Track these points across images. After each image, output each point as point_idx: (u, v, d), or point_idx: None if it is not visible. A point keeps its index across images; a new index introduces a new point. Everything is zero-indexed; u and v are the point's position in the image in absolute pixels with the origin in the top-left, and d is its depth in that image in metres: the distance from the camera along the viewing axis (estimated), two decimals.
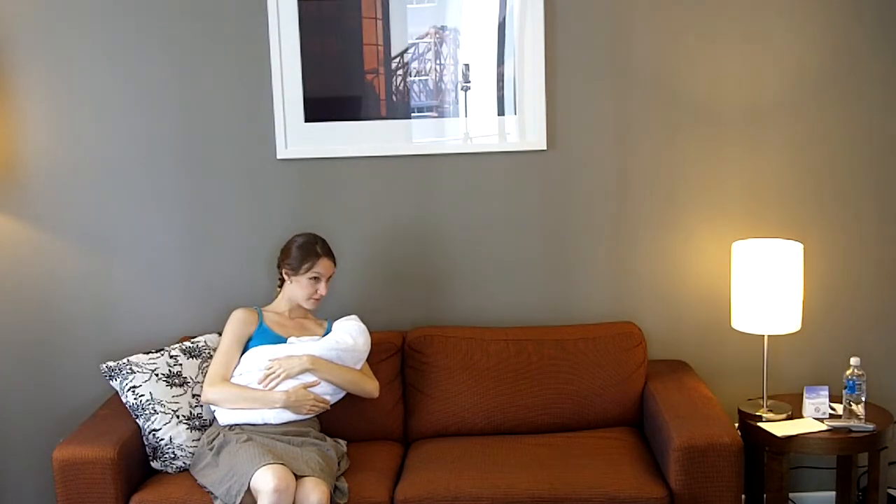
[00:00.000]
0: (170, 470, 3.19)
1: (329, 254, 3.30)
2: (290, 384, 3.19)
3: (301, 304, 3.31)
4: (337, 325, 3.35)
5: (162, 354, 3.32)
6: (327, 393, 3.25)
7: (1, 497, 3.73)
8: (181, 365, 3.30)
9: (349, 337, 3.28)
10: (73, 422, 3.46)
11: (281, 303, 3.37)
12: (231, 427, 3.17)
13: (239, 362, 3.25)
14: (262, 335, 3.28)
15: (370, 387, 3.32)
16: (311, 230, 3.37)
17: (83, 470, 3.01)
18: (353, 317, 3.37)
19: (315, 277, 3.27)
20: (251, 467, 2.90)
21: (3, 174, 3.57)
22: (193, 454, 3.18)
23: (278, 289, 3.40)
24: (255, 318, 3.31)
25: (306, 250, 3.27)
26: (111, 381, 3.26)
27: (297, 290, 3.30)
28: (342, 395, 3.30)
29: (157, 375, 3.25)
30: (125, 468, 3.06)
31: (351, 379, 3.28)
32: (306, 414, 3.20)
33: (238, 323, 3.29)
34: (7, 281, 3.65)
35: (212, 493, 3.00)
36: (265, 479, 2.85)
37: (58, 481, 3.03)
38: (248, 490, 2.88)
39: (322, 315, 3.43)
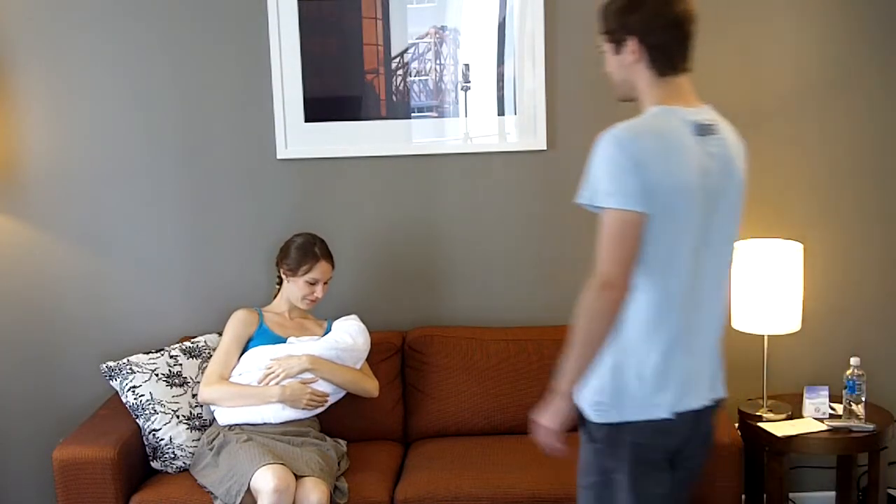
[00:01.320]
0: (170, 470, 3.19)
1: (327, 256, 3.30)
2: (288, 383, 3.18)
3: (296, 304, 3.32)
4: (336, 324, 3.35)
5: (162, 354, 3.32)
6: (327, 392, 3.25)
7: (1, 497, 3.73)
8: (181, 365, 3.30)
9: (348, 336, 3.28)
10: (73, 422, 3.46)
11: (280, 303, 3.38)
12: (231, 427, 3.17)
13: (239, 362, 3.25)
14: (262, 336, 3.28)
15: (370, 386, 3.32)
16: (311, 230, 3.37)
17: (83, 470, 3.01)
18: (353, 316, 3.37)
19: (312, 281, 3.27)
20: (251, 467, 2.90)
21: (3, 174, 3.57)
22: (193, 454, 3.18)
23: (277, 286, 3.41)
24: (256, 319, 3.32)
25: (304, 252, 3.27)
26: (111, 381, 3.26)
27: (293, 289, 3.30)
28: (342, 394, 3.30)
29: (157, 375, 3.25)
30: (125, 468, 3.06)
31: (351, 378, 3.28)
32: (304, 409, 3.19)
33: (238, 323, 3.29)
34: (7, 281, 3.64)
35: (212, 494, 3.00)
36: (265, 479, 2.85)
37: (58, 481, 3.03)
38: (248, 490, 2.89)
39: (321, 315, 3.43)
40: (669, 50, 2.14)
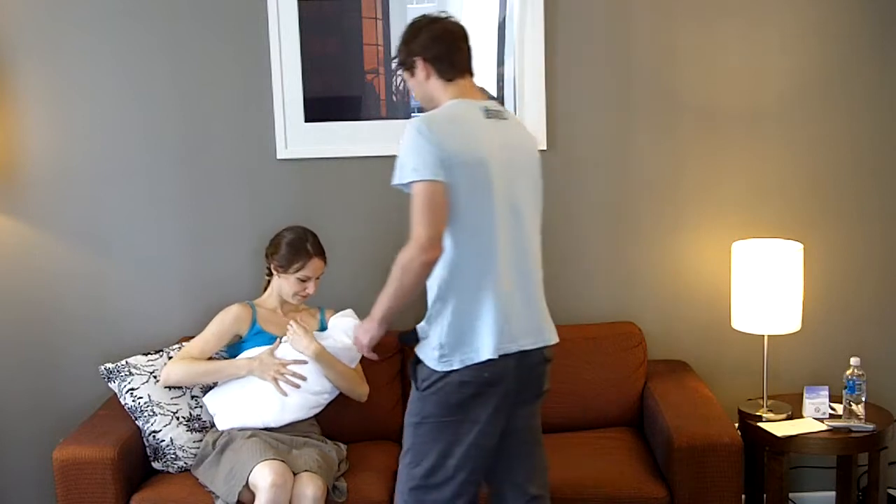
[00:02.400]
0: (171, 470, 3.19)
1: (319, 252, 3.28)
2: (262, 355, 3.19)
3: (287, 299, 3.30)
4: (332, 322, 3.33)
5: (161, 356, 3.32)
6: (325, 391, 3.24)
7: (1, 497, 3.73)
8: None
9: (345, 336, 3.26)
10: (73, 422, 3.46)
11: (271, 297, 3.35)
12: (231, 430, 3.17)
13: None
14: (256, 337, 3.26)
15: (361, 391, 3.30)
16: (311, 230, 3.35)
17: (83, 470, 3.01)
18: (349, 311, 3.34)
19: (304, 279, 3.26)
20: (251, 463, 2.91)
21: (3, 174, 3.57)
22: (196, 454, 3.17)
23: (266, 278, 3.39)
24: (249, 316, 3.29)
25: (296, 249, 3.24)
26: (110, 384, 3.26)
27: (284, 286, 3.28)
28: (336, 393, 3.28)
29: (155, 378, 3.24)
30: (125, 468, 3.06)
31: (348, 374, 3.26)
32: (271, 381, 3.14)
33: (230, 318, 3.27)
34: (7, 281, 3.64)
35: (213, 493, 3.00)
36: (262, 475, 2.85)
37: (58, 481, 3.03)
38: (247, 486, 2.89)
39: (314, 303, 3.41)
40: (448, 58, 2.58)
